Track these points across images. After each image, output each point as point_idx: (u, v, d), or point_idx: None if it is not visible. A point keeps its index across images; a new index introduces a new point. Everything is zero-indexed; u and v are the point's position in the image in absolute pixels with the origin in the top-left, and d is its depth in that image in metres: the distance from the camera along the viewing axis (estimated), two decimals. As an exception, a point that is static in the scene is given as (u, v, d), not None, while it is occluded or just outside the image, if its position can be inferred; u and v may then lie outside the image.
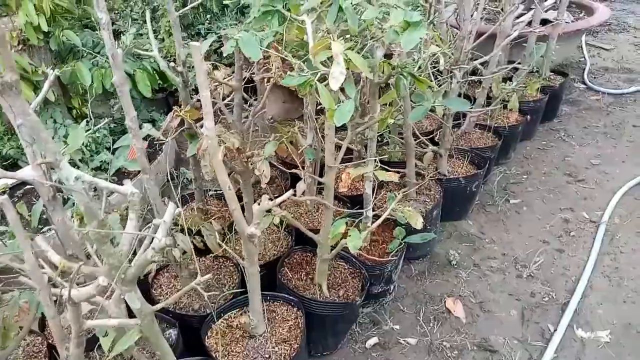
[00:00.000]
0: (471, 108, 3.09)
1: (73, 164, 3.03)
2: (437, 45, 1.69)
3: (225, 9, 4.42)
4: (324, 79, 1.37)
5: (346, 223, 1.71)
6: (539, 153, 3.41)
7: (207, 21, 4.29)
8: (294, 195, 1.79)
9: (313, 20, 1.56)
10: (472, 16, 2.66)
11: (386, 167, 2.63)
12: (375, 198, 2.57)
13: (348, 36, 1.64)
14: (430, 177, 2.62)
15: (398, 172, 2.60)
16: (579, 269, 2.41)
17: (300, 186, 1.80)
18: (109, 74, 2.97)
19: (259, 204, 1.48)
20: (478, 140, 3.05)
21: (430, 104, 2.02)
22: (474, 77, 3.10)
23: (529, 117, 3.22)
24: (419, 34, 1.30)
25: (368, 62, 1.75)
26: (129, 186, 1.18)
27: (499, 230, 2.72)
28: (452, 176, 2.70)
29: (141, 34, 4.59)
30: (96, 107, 3.54)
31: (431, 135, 2.79)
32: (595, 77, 4.51)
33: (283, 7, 1.64)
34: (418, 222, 1.73)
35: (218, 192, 2.62)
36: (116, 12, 6.51)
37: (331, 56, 1.36)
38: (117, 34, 4.69)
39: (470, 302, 2.29)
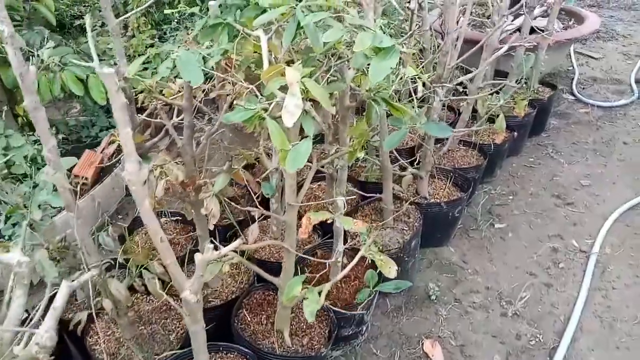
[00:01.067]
0: (454, 124, 2.87)
1: (16, 179, 2.71)
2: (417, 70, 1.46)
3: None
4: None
5: (305, 279, 1.47)
6: (526, 171, 3.21)
7: (176, 20, 3.99)
8: (245, 242, 1.55)
9: (270, 36, 1.31)
10: (457, 22, 2.44)
11: (362, 192, 2.42)
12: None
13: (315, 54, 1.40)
14: (410, 202, 2.40)
15: (373, 197, 2.39)
16: (568, 306, 2.21)
17: (254, 231, 1.55)
18: (58, 78, 2.68)
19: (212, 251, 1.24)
20: (462, 159, 2.83)
21: (407, 130, 1.79)
22: (459, 88, 2.89)
23: (515, 133, 3.01)
24: (390, 62, 1.06)
25: (335, 87, 1.51)
26: (16, 253, 0.92)
27: (483, 259, 2.51)
28: (433, 201, 2.48)
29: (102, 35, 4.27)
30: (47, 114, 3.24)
31: (412, 158, 2.55)
32: (584, 88, 4.34)
33: (235, 20, 1.39)
34: (391, 271, 1.50)
35: (176, 214, 2.36)
36: (85, 5, 6.13)
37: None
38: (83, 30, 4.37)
39: (450, 345, 2.07)
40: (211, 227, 1.47)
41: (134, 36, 4.23)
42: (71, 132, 3.20)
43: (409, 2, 2.24)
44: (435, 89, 2.12)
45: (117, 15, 4.88)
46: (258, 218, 1.57)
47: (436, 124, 1.79)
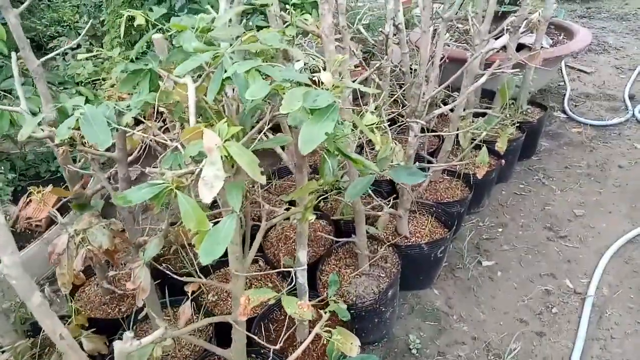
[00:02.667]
0: (437, 151, 2.67)
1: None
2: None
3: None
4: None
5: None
6: (516, 199, 3.01)
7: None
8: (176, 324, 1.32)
9: (198, 85, 1.11)
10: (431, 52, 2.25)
11: (332, 237, 2.20)
12: (322, 269, 2.13)
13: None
14: (388, 244, 2.19)
15: (347, 240, 2.17)
16: (562, 360, 2.00)
17: (185, 310, 1.33)
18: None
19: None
20: (446, 192, 2.63)
21: (374, 177, 1.59)
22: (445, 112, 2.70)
23: (503, 161, 2.81)
24: (326, 126, 0.86)
25: (279, 141, 1.31)
26: None
27: (470, 304, 2.30)
28: (413, 241, 2.27)
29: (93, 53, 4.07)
30: (2, 147, 3.03)
31: (394, 193, 2.34)
32: (576, 105, 4.15)
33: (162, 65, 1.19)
34: (353, 348, 1.28)
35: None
36: (63, 25, 5.92)
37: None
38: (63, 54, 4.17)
39: (431, 410, 1.85)
40: (139, 304, 1.26)
41: (107, 59, 4.04)
42: (29, 166, 2.98)
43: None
44: (410, 124, 1.92)
45: (94, 36, 4.60)
46: (194, 292, 1.35)
47: (406, 169, 1.58)
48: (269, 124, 1.13)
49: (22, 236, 2.48)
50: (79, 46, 4.44)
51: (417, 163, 2.17)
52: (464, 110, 2.59)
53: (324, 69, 1.67)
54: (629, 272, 2.40)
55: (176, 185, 0.98)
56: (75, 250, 1.26)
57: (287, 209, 2.24)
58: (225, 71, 0.99)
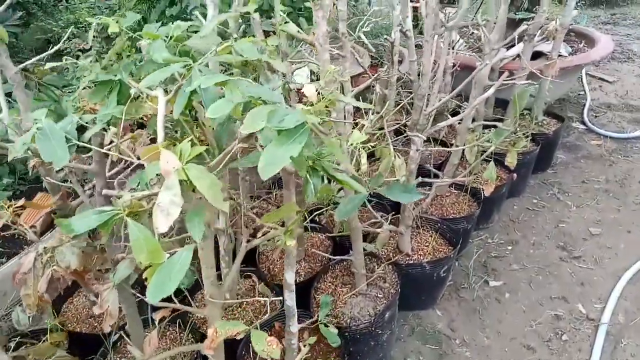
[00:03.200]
0: (444, 163, 2.55)
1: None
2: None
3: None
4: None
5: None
6: (528, 215, 2.86)
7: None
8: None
9: (170, 97, 1.03)
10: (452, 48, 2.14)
11: (326, 254, 2.11)
12: (318, 287, 2.04)
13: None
14: (388, 262, 2.09)
15: (343, 258, 2.07)
16: (572, 394, 1.86)
17: (152, 340, 1.24)
18: None
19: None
20: (452, 207, 2.51)
21: (366, 196, 1.49)
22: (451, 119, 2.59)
23: (515, 175, 2.67)
24: (292, 149, 0.77)
25: (254, 159, 1.21)
26: None
27: (474, 327, 2.17)
28: (414, 260, 2.16)
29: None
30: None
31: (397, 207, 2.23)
32: (596, 116, 3.98)
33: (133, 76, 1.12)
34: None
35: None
36: (79, 27, 5.97)
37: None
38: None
39: None
40: (107, 329, 1.19)
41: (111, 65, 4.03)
42: (23, 181, 2.95)
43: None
44: (412, 138, 1.81)
45: (107, 38, 4.62)
46: (163, 318, 1.27)
47: (401, 186, 1.48)
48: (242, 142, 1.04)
49: (17, 242, 2.45)
50: (91, 48, 4.45)
51: (419, 178, 2.06)
52: (473, 122, 2.47)
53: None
54: (648, 298, 2.24)
55: (135, 210, 0.91)
56: (41, 270, 1.19)
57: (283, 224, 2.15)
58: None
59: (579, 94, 4.37)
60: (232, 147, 0.94)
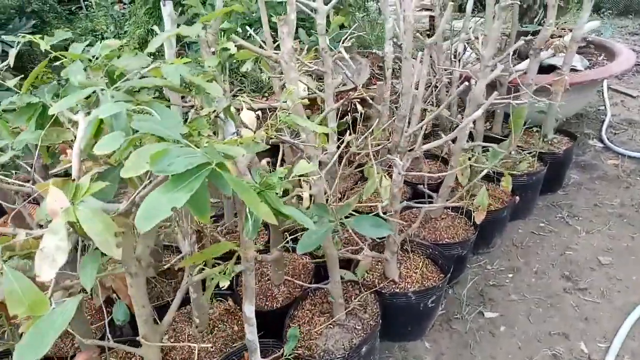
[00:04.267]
0: (440, 184, 2.41)
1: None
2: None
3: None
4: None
5: None
6: (533, 240, 2.68)
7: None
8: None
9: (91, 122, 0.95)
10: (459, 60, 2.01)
11: (316, 278, 1.99)
12: (294, 315, 1.92)
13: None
14: (367, 292, 1.96)
15: (317, 285, 1.96)
16: None
17: None
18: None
19: None
20: (446, 231, 2.36)
21: (332, 227, 1.38)
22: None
23: (517, 198, 2.51)
24: (176, 200, 0.66)
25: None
26: None
27: (464, 363, 2.02)
28: (397, 289, 2.02)
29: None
30: None
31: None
32: (615, 133, 3.75)
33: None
34: None
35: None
36: (95, 35, 6.03)
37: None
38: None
39: None
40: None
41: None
42: None
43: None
44: (393, 160, 1.69)
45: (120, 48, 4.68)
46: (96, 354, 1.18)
47: (369, 219, 1.36)
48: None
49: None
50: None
51: (405, 202, 1.92)
52: (470, 141, 2.32)
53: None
54: (659, 338, 2.04)
55: (30, 251, 0.82)
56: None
57: (261, 251, 2.05)
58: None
59: (599, 109, 4.14)
60: (142, 187, 0.84)
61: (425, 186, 2.39)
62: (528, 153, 2.73)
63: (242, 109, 1.17)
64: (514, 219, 2.80)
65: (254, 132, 1.25)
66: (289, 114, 1.23)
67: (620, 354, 1.98)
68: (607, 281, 2.36)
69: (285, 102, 1.33)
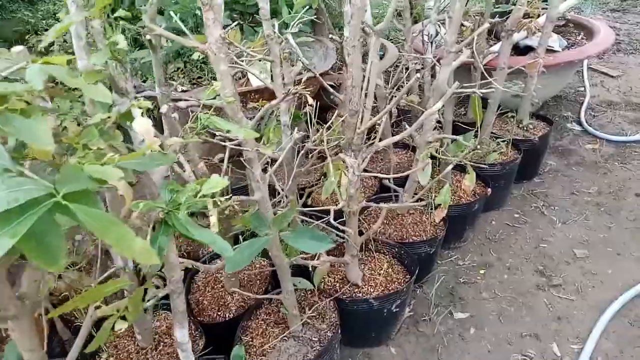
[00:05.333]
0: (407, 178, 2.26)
1: None
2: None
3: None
4: None
5: None
6: (507, 233, 2.56)
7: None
8: None
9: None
10: (432, 43, 1.84)
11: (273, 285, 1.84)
12: (246, 326, 1.78)
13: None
14: (327, 299, 1.82)
15: (268, 296, 1.81)
16: None
17: None
18: None
19: None
20: (414, 228, 2.22)
21: (268, 240, 1.23)
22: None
23: (489, 190, 2.38)
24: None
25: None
26: None
27: (430, 369, 1.91)
28: (358, 295, 1.89)
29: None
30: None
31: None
32: (594, 116, 3.63)
33: None
34: None
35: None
36: (59, 19, 5.72)
37: None
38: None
39: None
40: None
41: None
42: None
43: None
44: (345, 160, 1.53)
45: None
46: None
47: (308, 232, 1.21)
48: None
49: None
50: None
51: (365, 201, 1.77)
52: (439, 131, 2.17)
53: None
54: (634, 337, 1.95)
55: None
56: None
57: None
58: None
59: (578, 91, 4.01)
60: None
61: (391, 181, 2.24)
62: (502, 140, 2.59)
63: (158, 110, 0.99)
64: (487, 209, 2.67)
65: (168, 138, 1.08)
66: (212, 114, 1.06)
67: (593, 356, 1.88)
68: (581, 276, 2.25)
69: (214, 98, 1.16)
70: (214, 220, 0.82)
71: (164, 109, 1.24)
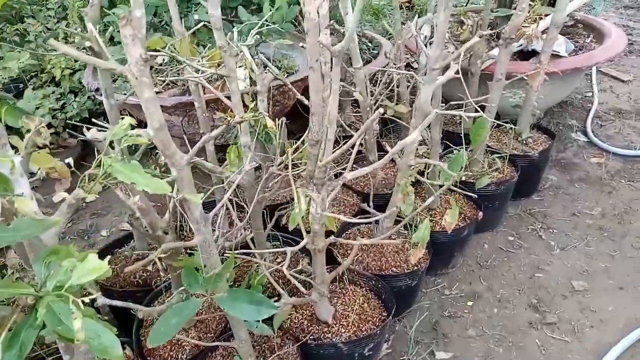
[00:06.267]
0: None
1: None
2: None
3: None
4: None
5: None
6: (500, 258, 2.35)
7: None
8: None
9: None
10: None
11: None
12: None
13: None
14: (290, 344, 1.63)
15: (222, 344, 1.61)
16: None
17: None
18: None
19: None
20: (394, 257, 2.01)
21: (199, 302, 1.03)
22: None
23: (481, 214, 2.16)
24: None
25: None
26: None
27: (405, 420, 1.71)
28: (330, 335, 1.69)
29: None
30: None
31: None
32: (602, 125, 3.38)
33: None
34: None
35: None
36: (41, 4, 5.51)
37: None
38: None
39: None
40: None
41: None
42: None
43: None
44: (309, 196, 1.32)
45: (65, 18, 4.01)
46: None
47: (247, 295, 1.01)
48: None
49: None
50: (48, 30, 3.93)
51: (333, 237, 1.56)
52: (426, 148, 1.96)
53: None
54: (635, 390, 1.74)
55: None
56: None
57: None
58: None
59: (586, 97, 3.75)
60: None
61: (371, 204, 2.03)
62: (497, 156, 2.36)
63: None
64: (480, 231, 2.45)
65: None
66: (112, 163, 0.85)
67: (588, 411, 1.68)
68: (579, 313, 2.04)
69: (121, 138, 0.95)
70: (78, 325, 0.62)
71: (89, 134, 1.04)
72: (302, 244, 1.44)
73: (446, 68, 1.54)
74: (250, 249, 2.00)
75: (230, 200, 2.11)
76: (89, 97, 3.24)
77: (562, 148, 3.15)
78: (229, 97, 2.33)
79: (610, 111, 3.55)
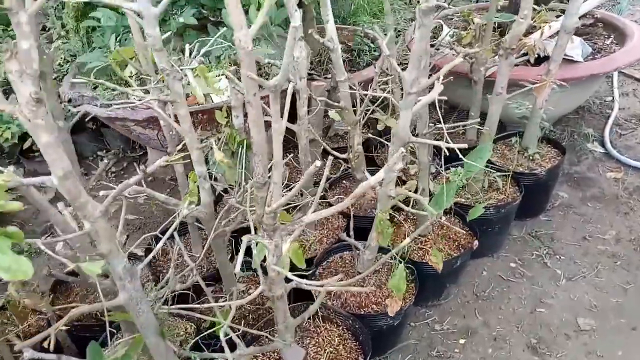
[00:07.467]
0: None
1: None
2: None
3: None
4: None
5: None
6: (499, 288, 2.14)
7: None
8: None
9: None
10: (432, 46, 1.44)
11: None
12: None
13: None
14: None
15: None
16: None
17: None
18: None
19: None
20: (375, 293, 1.82)
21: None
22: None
23: (476, 243, 1.95)
24: None
25: None
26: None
27: None
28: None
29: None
30: None
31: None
32: (621, 135, 3.11)
33: None
34: None
35: None
36: None
37: None
38: None
39: None
40: None
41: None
42: None
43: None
44: (265, 245, 1.15)
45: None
46: None
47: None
48: None
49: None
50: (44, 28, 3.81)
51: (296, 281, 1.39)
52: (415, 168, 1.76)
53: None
54: None
55: None
56: None
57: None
58: None
59: (605, 102, 3.47)
60: None
61: (352, 234, 1.84)
62: (499, 175, 2.14)
63: None
64: (479, 256, 2.25)
65: None
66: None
67: None
68: (584, 357, 1.82)
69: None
70: None
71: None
72: (255, 293, 1.27)
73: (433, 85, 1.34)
74: (219, 281, 1.85)
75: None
76: None
77: (575, 160, 2.90)
78: (203, 112, 2.17)
79: (632, 118, 3.26)
